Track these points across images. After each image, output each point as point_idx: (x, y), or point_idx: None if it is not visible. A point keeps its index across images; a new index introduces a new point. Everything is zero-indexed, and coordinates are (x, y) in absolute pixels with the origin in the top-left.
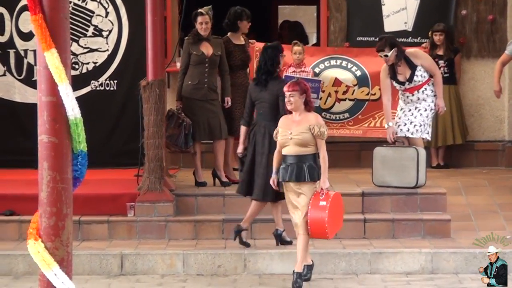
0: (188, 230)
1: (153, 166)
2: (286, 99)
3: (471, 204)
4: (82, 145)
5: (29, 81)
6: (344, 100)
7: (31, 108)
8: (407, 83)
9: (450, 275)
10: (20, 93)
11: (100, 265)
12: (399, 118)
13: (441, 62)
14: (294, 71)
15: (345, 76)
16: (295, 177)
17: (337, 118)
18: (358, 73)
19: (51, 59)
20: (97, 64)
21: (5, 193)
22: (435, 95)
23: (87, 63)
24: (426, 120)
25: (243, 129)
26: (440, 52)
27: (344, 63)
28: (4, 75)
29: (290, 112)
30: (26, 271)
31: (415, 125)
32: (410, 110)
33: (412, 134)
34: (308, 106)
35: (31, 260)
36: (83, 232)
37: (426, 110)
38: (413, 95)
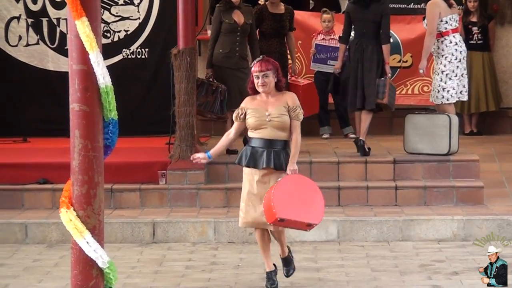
0: (219, 198)
1: (184, 134)
2: (259, 81)
3: (504, 171)
4: (113, 113)
5: (62, 50)
6: None
7: (64, 77)
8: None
9: None
10: (53, 62)
11: (132, 233)
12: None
13: (475, 29)
14: (323, 39)
15: None
16: (273, 164)
17: None
18: (390, 40)
19: (82, 28)
20: (128, 32)
21: (39, 161)
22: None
23: (119, 31)
24: (443, 84)
25: (342, 47)
26: (474, 18)
27: None
28: (37, 43)
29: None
30: (60, 239)
31: (433, 91)
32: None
33: (434, 100)
34: (278, 85)
35: (65, 228)
36: (115, 200)
37: (438, 74)
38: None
